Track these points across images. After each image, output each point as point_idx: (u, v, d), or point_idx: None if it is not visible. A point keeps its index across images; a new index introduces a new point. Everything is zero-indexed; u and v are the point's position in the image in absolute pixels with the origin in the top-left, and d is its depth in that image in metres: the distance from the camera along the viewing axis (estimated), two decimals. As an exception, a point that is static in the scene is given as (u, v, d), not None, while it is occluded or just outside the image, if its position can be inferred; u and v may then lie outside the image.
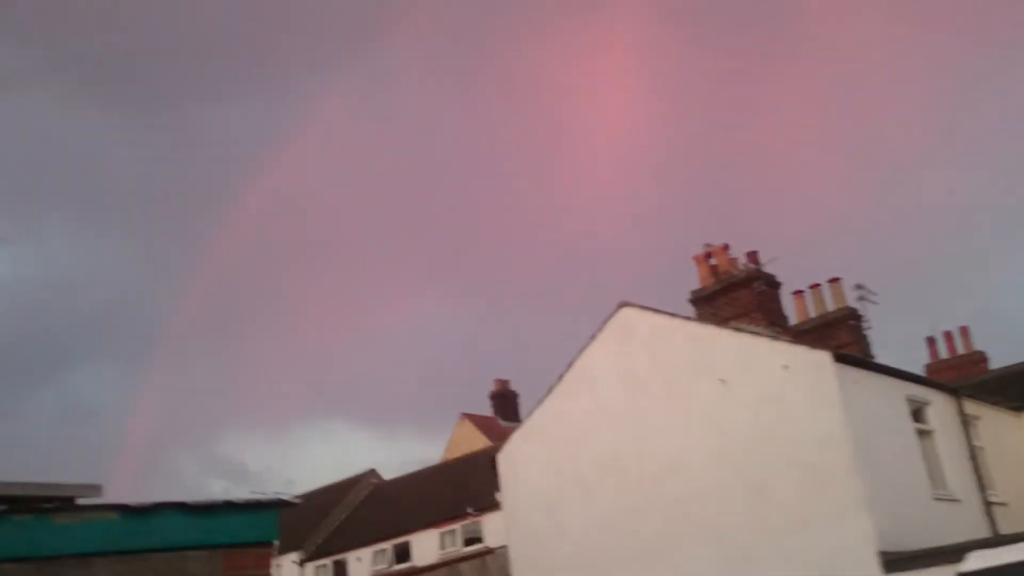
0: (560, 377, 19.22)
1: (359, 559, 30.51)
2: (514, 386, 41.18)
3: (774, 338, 16.98)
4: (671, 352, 17.56)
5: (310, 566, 32.42)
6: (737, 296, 20.75)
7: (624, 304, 18.54)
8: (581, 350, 18.98)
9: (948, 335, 26.27)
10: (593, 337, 18.83)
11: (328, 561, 31.86)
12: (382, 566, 29.24)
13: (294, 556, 32.97)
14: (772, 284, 21.19)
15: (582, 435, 18.49)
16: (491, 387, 41.10)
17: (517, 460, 19.72)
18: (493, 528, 26.74)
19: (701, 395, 16.86)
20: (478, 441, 36.15)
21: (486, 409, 41.35)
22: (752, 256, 21.49)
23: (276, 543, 4.75)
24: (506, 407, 39.81)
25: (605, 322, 18.71)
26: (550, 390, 19.38)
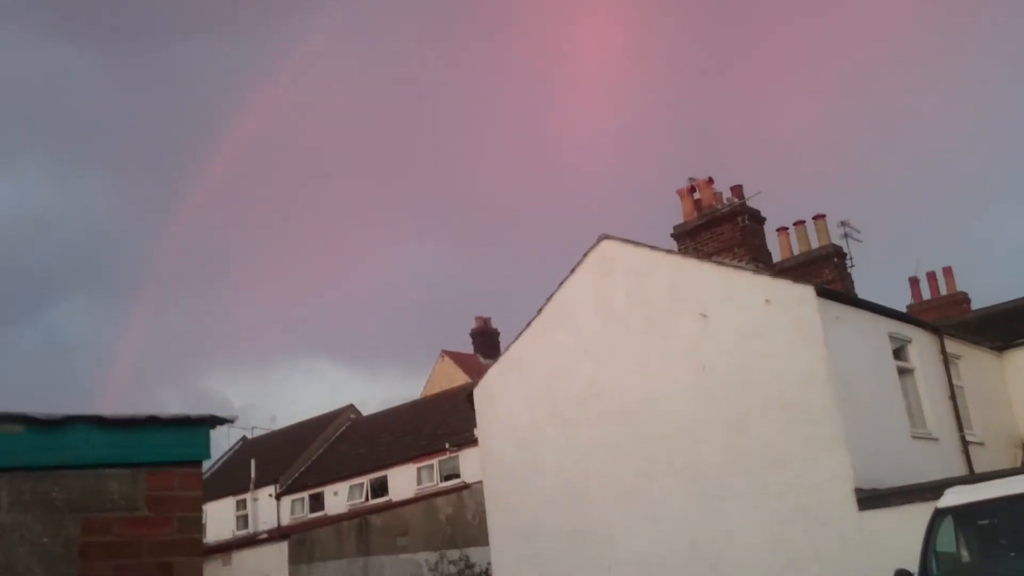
0: (539, 310, 18.86)
1: (335, 493, 30.42)
2: (495, 324, 41.00)
3: (757, 272, 16.61)
4: (651, 285, 17.19)
5: (286, 499, 32.33)
6: (720, 231, 20.34)
7: (604, 237, 18.11)
8: (560, 283, 18.59)
9: (931, 275, 26.07)
10: (572, 270, 18.43)
11: (304, 495, 31.77)
12: (358, 500, 29.17)
13: (270, 489, 32.88)
14: (756, 219, 20.76)
15: (560, 369, 18.19)
16: (472, 325, 40.87)
17: (494, 395, 19.44)
18: (471, 464, 26.63)
19: (681, 330, 16.54)
20: (458, 378, 35.93)
21: (467, 348, 41.18)
22: (736, 190, 21.03)
23: (206, 461, 4.29)
24: (487, 345, 39.54)
25: (585, 255, 18.30)
26: (528, 324, 19.03)
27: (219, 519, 34.15)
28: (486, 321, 40.76)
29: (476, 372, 33.71)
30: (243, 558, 23.33)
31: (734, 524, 15.29)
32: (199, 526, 4.18)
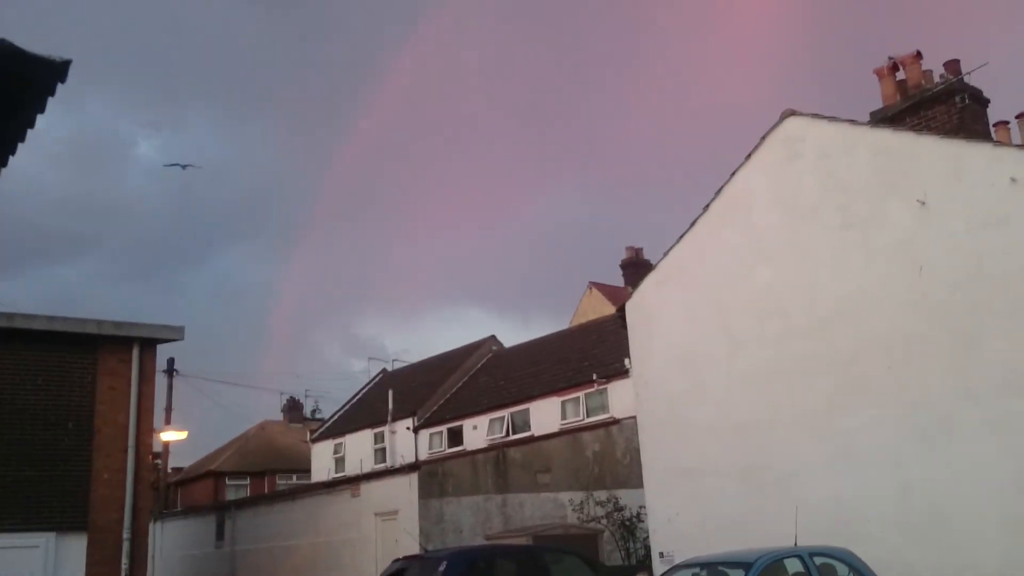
0: (705, 208, 15.72)
1: (474, 427, 28.34)
2: (648, 255, 37.78)
3: (997, 144, 12.91)
4: (851, 170, 13.76)
5: (424, 433, 30.54)
6: (932, 114, 16.41)
7: (790, 113, 14.74)
8: (732, 174, 15.37)
9: None
10: (748, 156, 15.16)
11: (442, 428, 29.87)
12: (498, 435, 26.96)
13: (408, 423, 31.18)
14: (978, 100, 16.75)
15: (730, 276, 15.06)
16: (622, 256, 37.78)
17: (650, 310, 16.50)
18: (620, 397, 23.89)
19: (891, 221, 13.10)
20: (606, 311, 33.10)
21: (618, 282, 38.22)
22: (951, 66, 17.03)
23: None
24: (638, 276, 36.32)
25: (764, 137, 14.98)
26: (692, 224, 15.92)
27: (357, 451, 32.85)
28: (637, 252, 37.39)
29: (627, 303, 30.84)
30: (371, 489, 21.48)
31: (960, 464, 11.94)
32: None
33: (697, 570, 11.52)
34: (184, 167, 30.22)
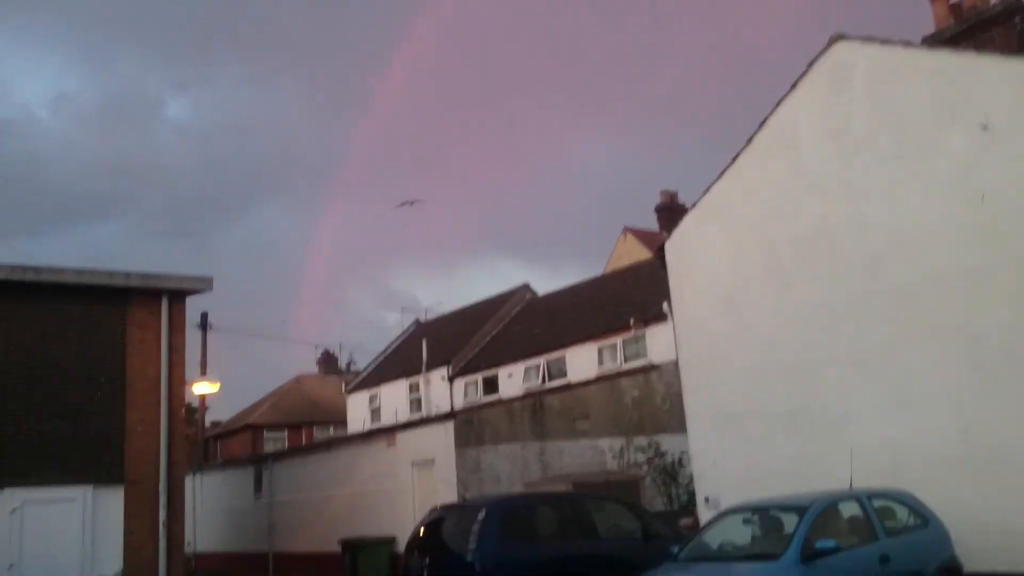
0: (748, 140, 15.00)
1: (510, 375, 27.98)
2: (683, 199, 36.94)
3: (1066, 62, 12.06)
4: (906, 96, 12.97)
5: (459, 382, 30.25)
6: (989, 38, 15.57)
7: (838, 37, 13.92)
8: (777, 104, 14.61)
9: None
10: (794, 85, 14.39)
11: (477, 377, 29.56)
12: (534, 382, 26.59)
13: (443, 372, 30.90)
14: (1040, 20, 15.82)
15: (776, 211, 14.39)
16: (657, 200, 36.95)
17: (690, 248, 15.89)
18: (659, 342, 23.36)
19: (949, 149, 12.35)
20: (642, 257, 32.43)
21: (653, 227, 37.45)
22: (1010, -15, 16.09)
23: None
24: (674, 221, 35.54)
25: (811, 64, 14.19)
26: (734, 158, 15.23)
27: (392, 402, 32.70)
28: (672, 196, 36.51)
29: (663, 248, 30.16)
30: (407, 439, 21.23)
31: (1026, 404, 11.33)
32: None
33: (748, 515, 11.08)
34: (412, 203, 33.26)
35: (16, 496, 15.96)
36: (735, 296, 14.90)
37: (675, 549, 10.90)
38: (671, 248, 16.25)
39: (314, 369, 50.38)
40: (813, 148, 13.99)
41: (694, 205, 16.10)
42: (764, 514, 10.86)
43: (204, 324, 33.55)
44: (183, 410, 18.28)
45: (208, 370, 33.25)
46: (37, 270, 16.98)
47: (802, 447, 13.46)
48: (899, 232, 12.74)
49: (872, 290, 12.94)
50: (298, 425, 41.48)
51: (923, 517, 11.01)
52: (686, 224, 16.09)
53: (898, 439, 12.34)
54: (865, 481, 11.34)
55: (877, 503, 10.75)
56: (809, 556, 9.45)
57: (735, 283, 14.93)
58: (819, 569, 9.43)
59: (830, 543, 9.61)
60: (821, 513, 10.14)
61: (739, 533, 10.91)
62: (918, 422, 12.21)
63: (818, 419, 13.35)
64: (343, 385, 38.19)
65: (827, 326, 13.44)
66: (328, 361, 50.36)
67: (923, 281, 12.40)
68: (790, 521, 10.23)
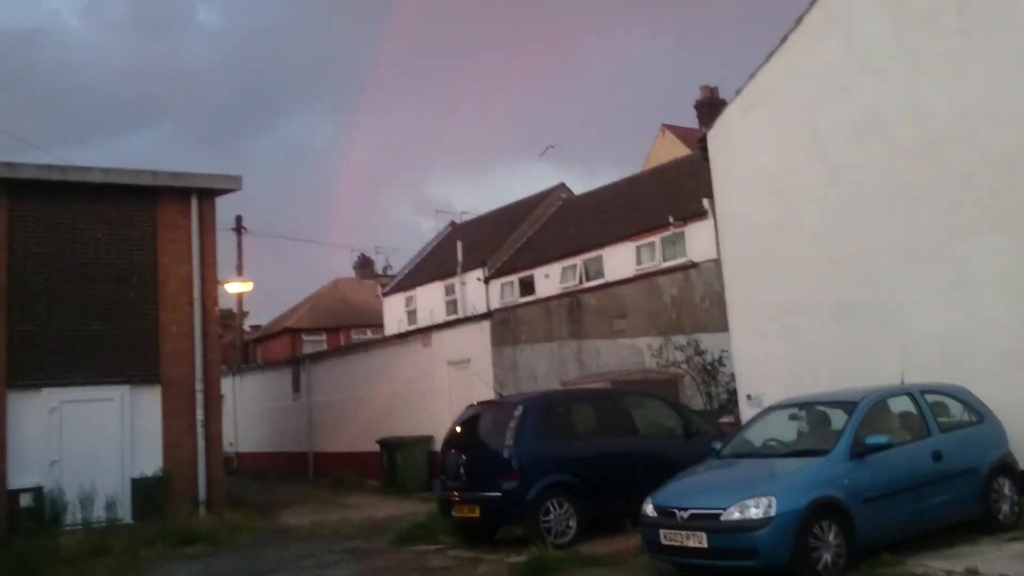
0: (797, 20, 14.08)
1: (546, 276, 27.61)
2: (723, 94, 35.67)
3: None
4: (972, -36, 11.98)
5: (495, 284, 29.97)
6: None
7: (899, -97, 12.85)
8: (831, -21, 13.63)
9: None
10: (849, -42, 13.39)
11: (514, 278, 29.23)
12: (571, 283, 26.19)
13: (478, 274, 30.60)
14: None
15: (827, 95, 13.55)
16: (697, 96, 35.73)
17: (734, 137, 15.14)
18: (698, 240, 22.78)
19: (1018, 24, 11.41)
20: (680, 155, 31.51)
21: (692, 124, 36.32)
22: None
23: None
24: (713, 117, 34.42)
25: (868, -66, 13.16)
26: (782, 40, 14.33)
27: (428, 304, 32.57)
28: (712, 91, 35.26)
29: (703, 144, 29.19)
30: (443, 339, 21.03)
31: (1093, 294, 10.70)
32: None
33: (795, 411, 10.67)
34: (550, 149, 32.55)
35: (54, 396, 16.05)
36: (782, 186, 14.22)
37: (717, 446, 10.58)
38: (714, 138, 15.51)
39: (351, 273, 50.42)
40: (868, 26, 13.06)
41: (738, 92, 15.25)
42: (811, 410, 10.45)
43: (239, 226, 33.45)
44: (217, 310, 18.17)
45: (244, 273, 33.29)
46: (63, 169, 16.72)
47: (850, 342, 12.96)
48: (960, 114, 11.92)
49: (929, 176, 12.20)
50: (336, 329, 41.68)
51: (978, 413, 10.54)
52: (730, 112, 15.31)
53: (953, 332, 11.78)
54: (917, 376, 10.85)
55: (930, 398, 10.28)
56: (859, 452, 9.07)
57: (782, 173, 14.23)
58: (869, 465, 9.05)
59: (882, 439, 9.22)
60: (872, 408, 9.71)
61: (784, 430, 10.53)
62: (974, 315, 11.63)
63: (868, 312, 12.80)
64: (379, 288, 38.12)
65: (880, 215, 12.76)
66: (364, 265, 50.30)
67: (984, 165, 11.65)
68: (838, 417, 9.82)
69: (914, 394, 10.18)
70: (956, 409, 10.53)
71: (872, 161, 12.86)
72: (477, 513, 12.09)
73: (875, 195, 12.79)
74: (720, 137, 15.39)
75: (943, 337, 11.84)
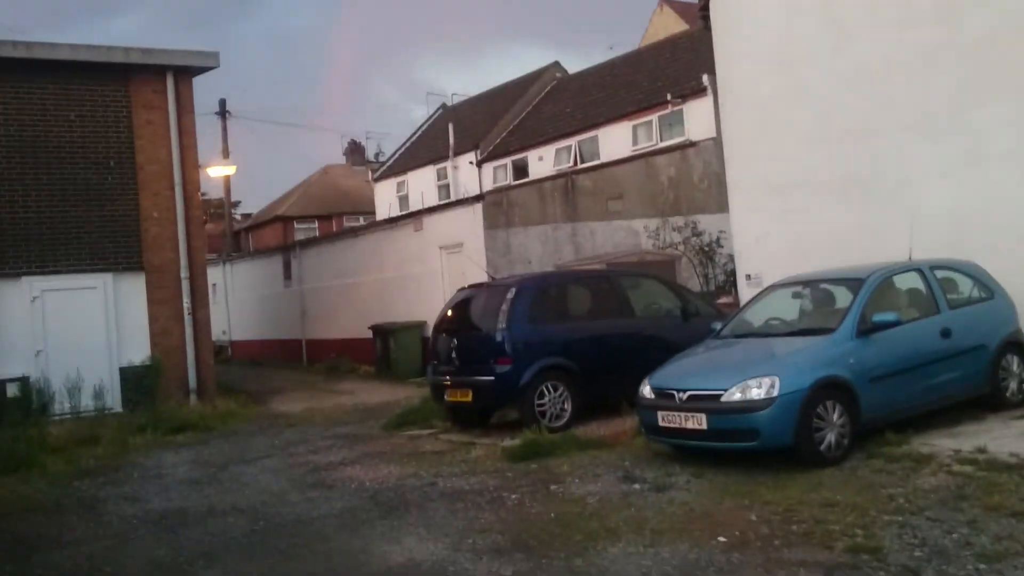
0: None
1: (540, 158, 26.90)
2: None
3: None
4: None
5: (487, 167, 29.26)
6: None
7: None
8: None
9: None
10: None
11: (507, 161, 28.52)
12: (566, 165, 25.50)
13: (470, 157, 29.85)
14: None
15: (838, -45, 12.69)
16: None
17: (738, 3, 14.28)
18: (697, 119, 22.09)
19: None
20: (679, 31, 30.34)
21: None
22: None
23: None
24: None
25: None
26: None
27: (419, 188, 31.91)
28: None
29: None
30: (434, 223, 20.51)
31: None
32: None
33: (798, 289, 10.27)
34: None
35: (35, 285, 15.63)
36: (787, 55, 13.46)
37: (717, 326, 10.22)
38: (716, 4, 14.64)
39: (342, 160, 49.52)
40: None
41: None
42: (815, 287, 10.05)
43: (223, 110, 32.48)
44: (199, 195, 17.58)
45: (231, 158, 32.51)
46: (29, 46, 15.84)
47: (856, 219, 12.45)
48: (982, -28, 11.13)
49: (944, 41, 11.48)
50: (327, 216, 41.08)
51: (988, 289, 10.15)
52: (733, -24, 14.38)
53: (964, 206, 11.28)
54: (925, 252, 10.40)
55: (940, 274, 9.87)
56: (865, 331, 8.70)
57: (787, 40, 13.45)
58: (876, 343, 8.69)
59: (889, 316, 8.84)
60: (879, 285, 9.30)
61: (787, 309, 10.15)
62: (987, 187, 11.11)
63: (875, 188, 12.27)
64: (370, 174, 37.35)
65: (891, 83, 12.08)
66: (355, 151, 49.41)
67: (1005, 28, 10.93)
68: (844, 295, 9.44)
69: (923, 270, 9.76)
70: (966, 285, 10.13)
71: (885, 27, 12.09)
72: (470, 397, 11.81)
73: (887, 63, 12.08)
74: (723, 4, 14.52)
75: (953, 211, 11.35)
